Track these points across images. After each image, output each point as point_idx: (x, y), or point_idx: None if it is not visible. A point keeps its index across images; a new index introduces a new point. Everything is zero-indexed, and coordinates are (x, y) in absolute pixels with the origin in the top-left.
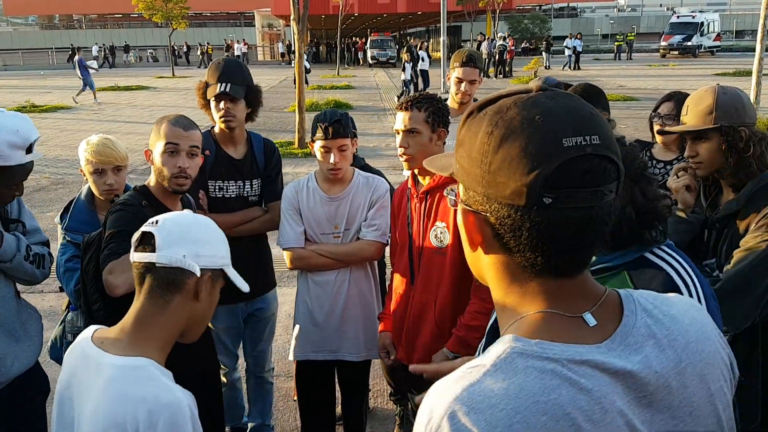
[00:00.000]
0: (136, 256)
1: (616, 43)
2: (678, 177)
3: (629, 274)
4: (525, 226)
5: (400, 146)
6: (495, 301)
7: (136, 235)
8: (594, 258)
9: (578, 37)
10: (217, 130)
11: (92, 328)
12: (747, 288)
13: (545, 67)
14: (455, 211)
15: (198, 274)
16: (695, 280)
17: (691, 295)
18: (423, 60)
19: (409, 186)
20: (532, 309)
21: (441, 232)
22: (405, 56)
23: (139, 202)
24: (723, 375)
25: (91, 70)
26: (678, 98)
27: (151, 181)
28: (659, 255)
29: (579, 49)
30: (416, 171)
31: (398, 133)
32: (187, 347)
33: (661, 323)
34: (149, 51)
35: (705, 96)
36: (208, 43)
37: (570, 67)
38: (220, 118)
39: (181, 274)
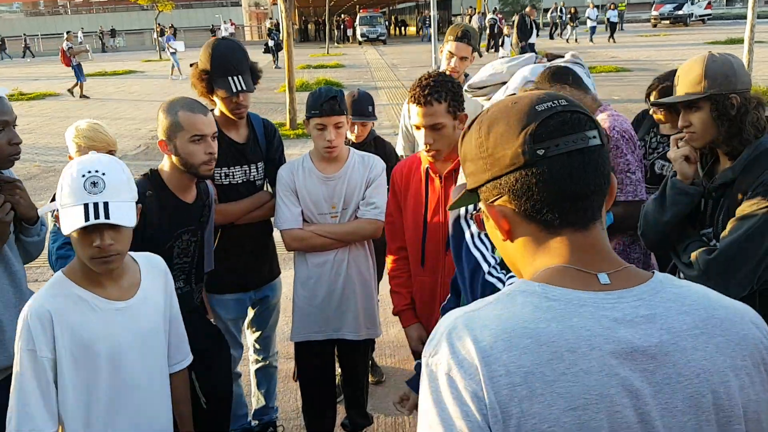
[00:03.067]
0: None
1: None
2: (678, 147)
3: None
4: (533, 182)
5: (426, 143)
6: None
7: None
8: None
9: (611, 7)
10: (217, 113)
11: None
12: (743, 256)
13: (567, 40)
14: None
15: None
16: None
17: None
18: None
19: (426, 167)
20: (552, 265)
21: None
22: (508, 28)
23: (143, 191)
24: (750, 359)
25: (170, 50)
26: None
27: (165, 167)
28: None
29: (613, 20)
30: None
31: (418, 129)
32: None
33: (688, 294)
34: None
35: (694, 65)
36: (171, 25)
37: (591, 39)
38: (233, 110)
39: None
